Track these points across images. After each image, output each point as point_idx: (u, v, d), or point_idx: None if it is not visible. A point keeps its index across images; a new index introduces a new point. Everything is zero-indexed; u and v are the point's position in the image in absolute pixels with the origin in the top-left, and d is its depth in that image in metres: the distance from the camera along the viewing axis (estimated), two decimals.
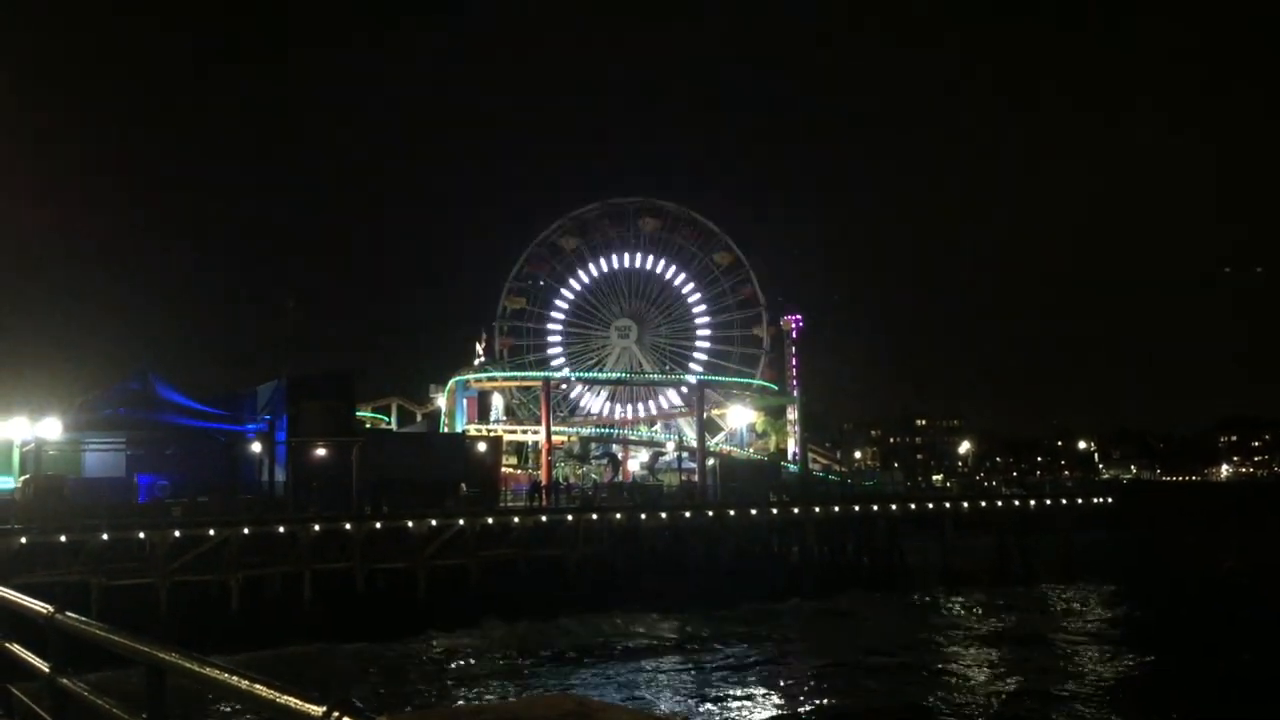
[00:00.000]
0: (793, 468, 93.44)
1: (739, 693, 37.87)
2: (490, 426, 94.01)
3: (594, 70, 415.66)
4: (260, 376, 67.80)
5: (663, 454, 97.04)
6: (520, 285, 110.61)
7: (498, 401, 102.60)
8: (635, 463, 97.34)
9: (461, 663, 43.20)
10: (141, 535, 46.84)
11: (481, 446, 71.52)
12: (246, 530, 48.66)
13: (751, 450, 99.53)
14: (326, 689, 3.01)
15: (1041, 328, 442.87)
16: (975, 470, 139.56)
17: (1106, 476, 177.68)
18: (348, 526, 51.47)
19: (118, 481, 56.38)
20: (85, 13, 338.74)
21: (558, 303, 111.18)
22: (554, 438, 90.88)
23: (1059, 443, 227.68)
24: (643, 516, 60.26)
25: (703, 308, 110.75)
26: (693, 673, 41.58)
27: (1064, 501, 77.09)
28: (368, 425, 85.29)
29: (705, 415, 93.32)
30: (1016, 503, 75.55)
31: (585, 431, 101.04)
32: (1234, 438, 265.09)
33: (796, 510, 65.91)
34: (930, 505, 72.97)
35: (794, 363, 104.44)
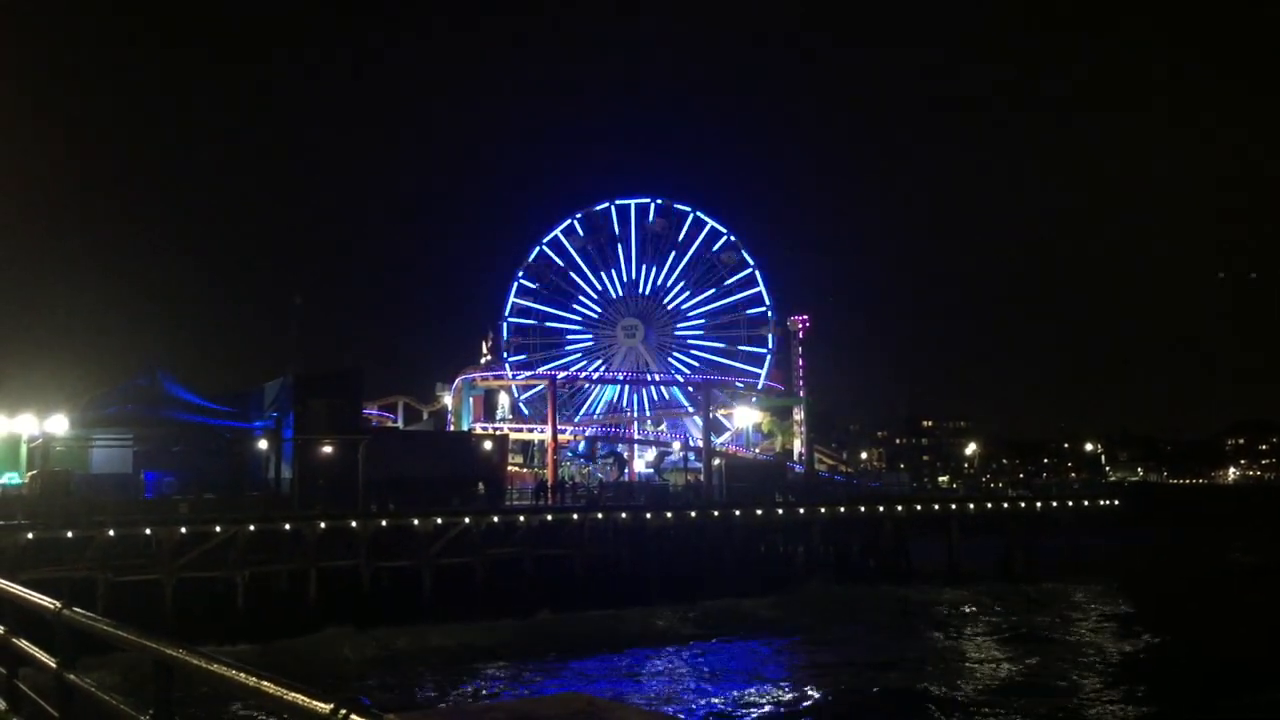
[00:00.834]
0: (798, 468, 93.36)
1: (746, 692, 37.87)
2: (496, 425, 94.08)
3: (602, 69, 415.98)
4: (267, 374, 68.00)
5: (669, 454, 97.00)
6: (527, 284, 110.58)
7: (504, 400, 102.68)
8: (641, 462, 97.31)
9: (468, 661, 43.20)
10: (148, 531, 46.92)
11: (487, 445, 71.58)
12: (252, 527, 48.73)
13: (757, 450, 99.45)
14: (334, 687, 3.00)
15: (1048, 330, 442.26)
16: (981, 472, 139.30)
17: (1113, 479, 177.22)
18: (353, 524, 51.52)
19: (125, 478, 56.47)
20: (90, 13, 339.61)
21: (564, 302, 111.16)
22: (560, 437, 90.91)
23: (1065, 445, 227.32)
24: (648, 516, 60.23)
25: (709, 308, 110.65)
26: (700, 671, 41.58)
27: (1070, 504, 77.04)
28: (374, 423, 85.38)
29: (711, 415, 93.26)
30: (1023, 505, 75.47)
31: (591, 431, 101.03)
32: (1241, 441, 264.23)
33: (802, 511, 65.87)
34: (936, 507, 72.87)
35: (800, 363, 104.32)
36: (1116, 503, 79.60)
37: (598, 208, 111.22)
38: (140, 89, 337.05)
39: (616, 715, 2.70)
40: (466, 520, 53.83)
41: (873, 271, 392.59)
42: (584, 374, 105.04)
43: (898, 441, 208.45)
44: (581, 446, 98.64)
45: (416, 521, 52.70)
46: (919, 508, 71.88)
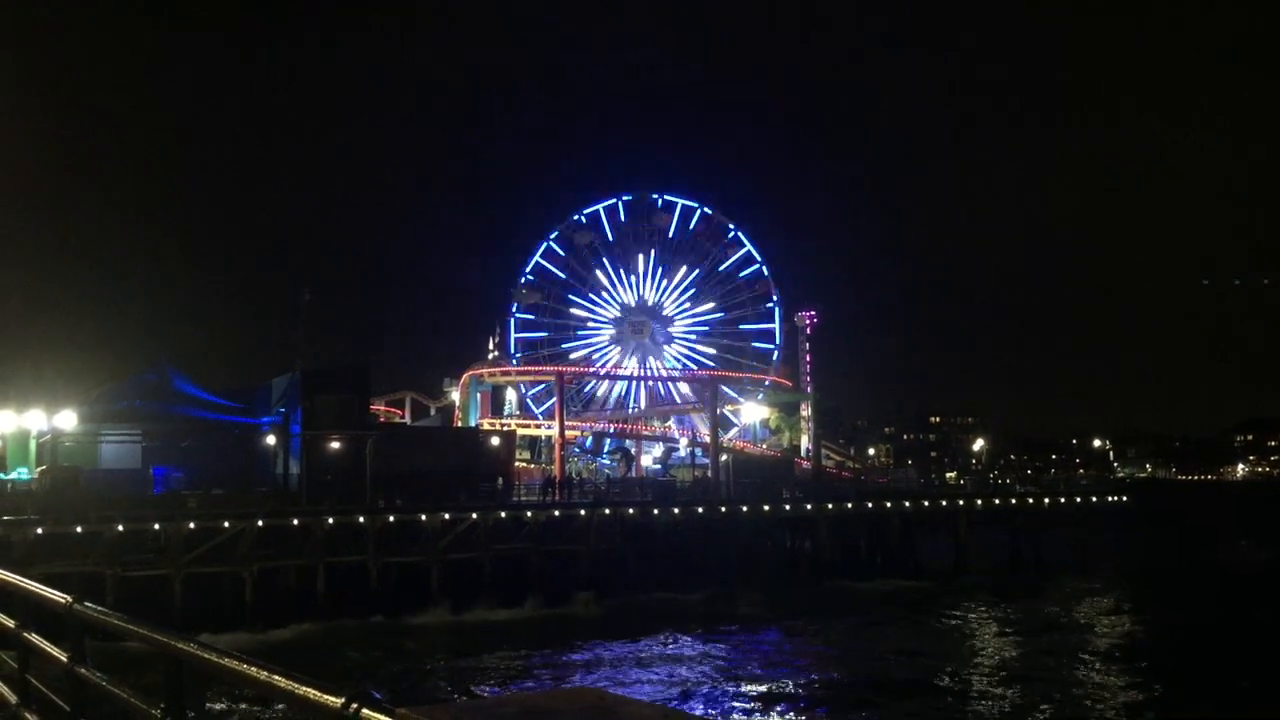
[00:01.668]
0: (806, 464, 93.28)
1: (753, 688, 37.86)
2: (504, 421, 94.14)
3: (611, 65, 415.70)
4: (275, 369, 68.15)
5: (676, 450, 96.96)
6: (535, 280, 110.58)
7: (511, 396, 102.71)
8: (648, 458, 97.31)
9: (476, 655, 43.26)
10: (156, 527, 47.08)
11: (495, 441, 71.64)
12: (261, 522, 48.87)
13: (765, 446, 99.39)
14: (344, 681, 3.00)
15: (1058, 326, 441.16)
16: (989, 468, 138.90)
17: (1121, 475, 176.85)
18: (361, 520, 51.64)
19: (133, 473, 56.70)
20: (96, 12, 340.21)
21: (572, 297, 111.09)
22: (567, 432, 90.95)
23: (1074, 441, 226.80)
24: (655, 512, 60.23)
25: (717, 303, 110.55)
26: (708, 667, 41.57)
27: (1078, 500, 76.92)
28: (381, 419, 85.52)
29: (719, 411, 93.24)
30: (1030, 501, 75.31)
31: (598, 427, 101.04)
32: (1250, 438, 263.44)
33: (810, 507, 65.81)
34: (944, 503, 72.75)
35: (808, 359, 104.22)
36: (1124, 499, 79.40)
37: (605, 204, 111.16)
38: (150, 85, 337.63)
39: (627, 710, 2.70)
40: (474, 516, 53.90)
41: (881, 267, 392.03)
42: (591, 370, 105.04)
43: (906, 438, 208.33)
44: (589, 442, 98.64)
45: (424, 517, 52.80)
46: (927, 504, 71.79)
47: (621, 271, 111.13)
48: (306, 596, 49.06)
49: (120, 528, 45.73)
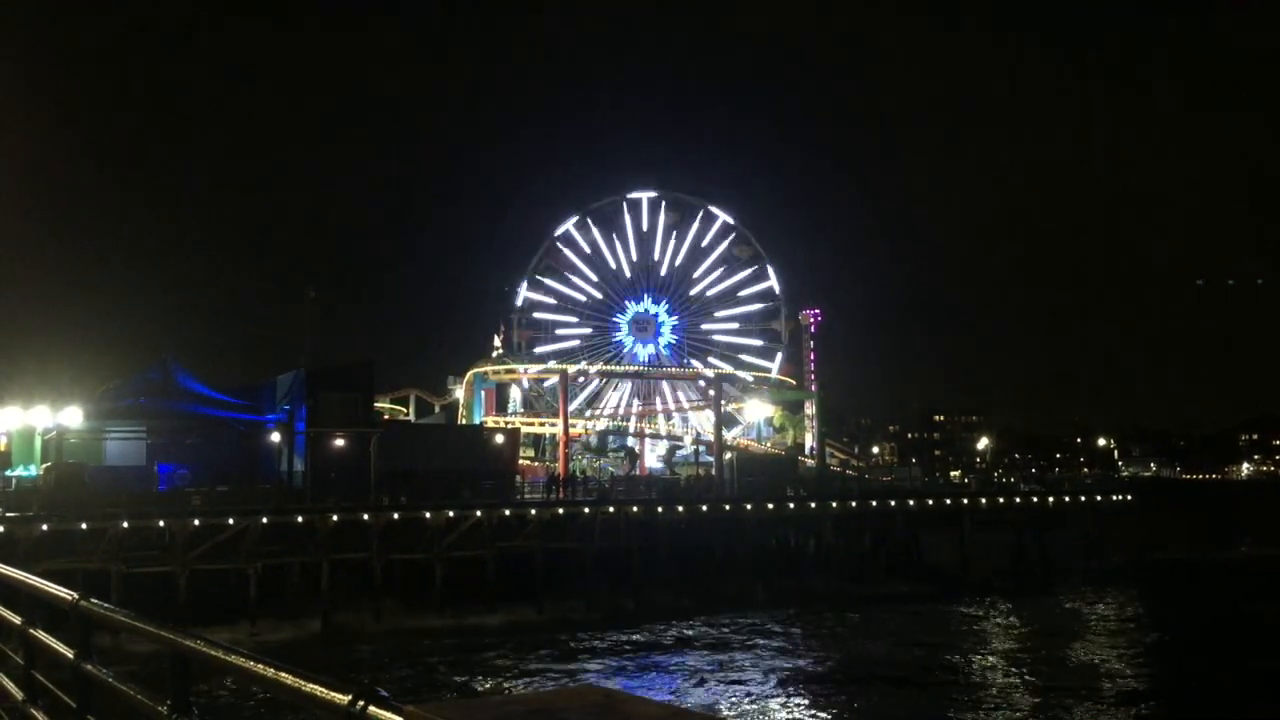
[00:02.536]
0: (810, 463, 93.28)
1: (757, 686, 37.90)
2: (508, 419, 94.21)
3: (613, 62, 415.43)
4: (279, 367, 68.22)
5: (680, 447, 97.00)
6: (538, 278, 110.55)
7: (515, 393, 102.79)
8: (652, 456, 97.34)
9: (480, 653, 43.34)
10: (161, 524, 47.18)
11: (499, 438, 71.70)
12: (265, 520, 48.95)
13: (769, 445, 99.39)
14: (349, 678, 3.00)
15: (1063, 324, 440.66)
16: (994, 467, 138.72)
17: (1126, 474, 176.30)
18: (366, 517, 51.71)
19: (138, 470, 56.78)
20: (101, 8, 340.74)
21: (576, 295, 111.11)
22: (571, 430, 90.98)
23: (1078, 440, 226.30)
24: (659, 510, 60.25)
25: (721, 301, 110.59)
26: (711, 665, 41.61)
27: (1083, 498, 76.88)
28: (386, 416, 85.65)
29: (723, 409, 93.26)
30: (1035, 499, 75.28)
31: (602, 424, 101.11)
32: (1255, 437, 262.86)
33: (814, 505, 65.81)
34: (949, 501, 72.72)
35: (812, 357, 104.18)
36: (1129, 498, 79.37)
37: (609, 202, 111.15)
38: (155, 80, 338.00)
39: (633, 708, 2.69)
40: (478, 513, 53.95)
41: (886, 265, 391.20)
42: (596, 368, 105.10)
43: (910, 436, 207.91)
44: (593, 440, 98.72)
45: (428, 514, 52.86)
46: (931, 502, 71.77)
47: (626, 269, 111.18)
48: (311, 594, 49.16)
49: (125, 525, 45.83)
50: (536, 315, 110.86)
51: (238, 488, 53.83)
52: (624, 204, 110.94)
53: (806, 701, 35.79)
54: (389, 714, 2.72)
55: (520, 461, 77.83)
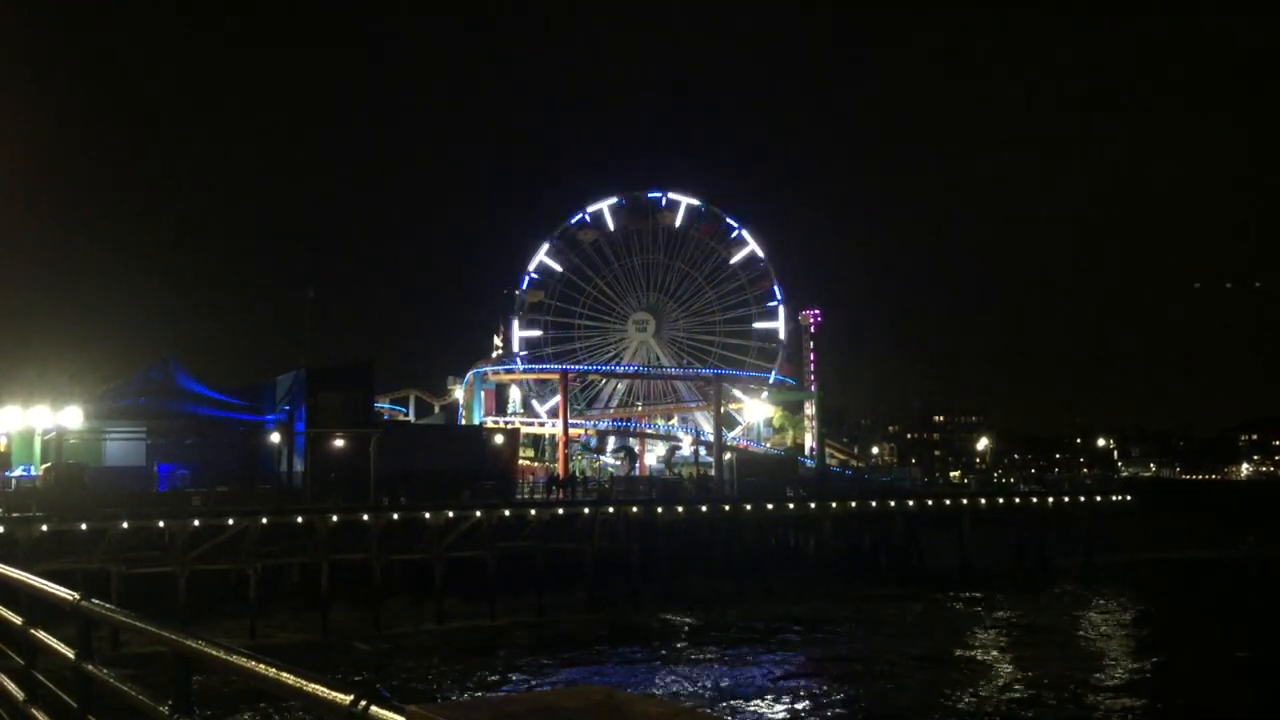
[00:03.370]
0: (810, 463, 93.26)
1: (759, 685, 37.91)
2: (508, 419, 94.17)
3: (614, 64, 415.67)
4: (279, 367, 68.25)
5: (679, 448, 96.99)
6: (539, 278, 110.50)
7: (515, 394, 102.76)
8: (652, 456, 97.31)
9: (481, 653, 43.34)
10: (161, 524, 47.15)
11: (499, 439, 71.70)
12: (265, 520, 48.92)
13: (769, 445, 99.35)
14: (350, 678, 3.00)
15: (1062, 325, 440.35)
16: (994, 467, 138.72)
17: (1126, 474, 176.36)
18: (365, 517, 51.68)
19: (138, 470, 56.78)
20: (103, 8, 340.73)
21: (576, 296, 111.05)
22: (571, 431, 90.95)
23: (1078, 440, 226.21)
24: (659, 510, 60.24)
25: (721, 302, 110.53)
26: (714, 664, 41.62)
27: (1083, 499, 76.86)
28: (385, 417, 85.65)
29: (722, 409, 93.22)
30: (1035, 500, 75.29)
31: (602, 425, 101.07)
32: (1254, 437, 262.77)
33: (813, 506, 65.80)
34: (948, 502, 72.74)
35: (812, 358, 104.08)
36: (1129, 498, 79.41)
37: (609, 202, 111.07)
38: (156, 81, 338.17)
39: (636, 707, 2.70)
40: (478, 514, 53.93)
41: (886, 265, 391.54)
42: (595, 368, 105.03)
43: (910, 436, 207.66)
44: (593, 441, 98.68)
45: (428, 515, 52.83)
46: (930, 503, 71.78)
47: (625, 269, 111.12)
48: (310, 594, 49.15)
49: (125, 525, 45.80)
50: (536, 315, 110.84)
51: (238, 488, 53.83)
52: (623, 203, 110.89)
53: (807, 700, 35.79)
54: (391, 714, 2.72)
55: (520, 461, 77.82)
